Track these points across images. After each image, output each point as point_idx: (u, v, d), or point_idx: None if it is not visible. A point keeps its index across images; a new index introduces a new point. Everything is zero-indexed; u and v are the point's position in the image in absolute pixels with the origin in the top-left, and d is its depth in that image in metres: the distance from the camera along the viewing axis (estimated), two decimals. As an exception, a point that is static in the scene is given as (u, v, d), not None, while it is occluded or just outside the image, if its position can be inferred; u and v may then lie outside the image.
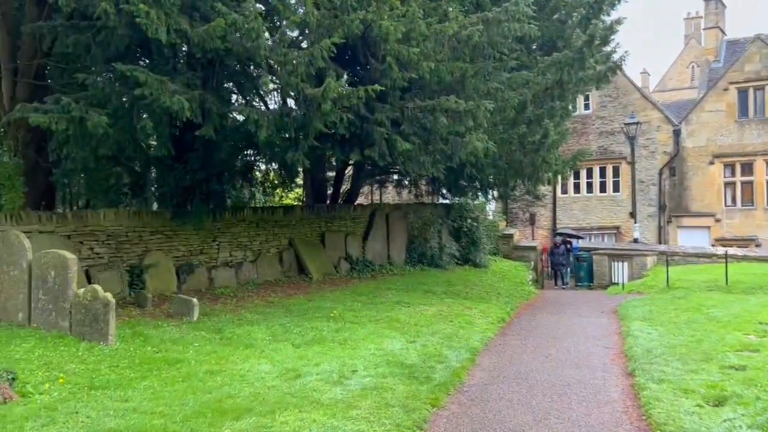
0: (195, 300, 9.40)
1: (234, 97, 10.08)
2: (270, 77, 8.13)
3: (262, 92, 8.40)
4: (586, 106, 26.96)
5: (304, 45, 9.33)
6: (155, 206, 11.84)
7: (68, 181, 12.21)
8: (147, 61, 9.15)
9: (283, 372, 6.55)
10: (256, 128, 8.52)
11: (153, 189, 11.30)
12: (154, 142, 9.56)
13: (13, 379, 5.68)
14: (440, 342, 8.48)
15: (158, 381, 6.10)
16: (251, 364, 6.79)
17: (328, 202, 16.35)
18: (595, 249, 21.88)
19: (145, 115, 8.54)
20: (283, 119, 8.80)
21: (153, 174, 11.60)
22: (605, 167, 26.86)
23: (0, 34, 11.81)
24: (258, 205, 13.67)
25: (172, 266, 11.46)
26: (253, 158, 13.14)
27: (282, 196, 19.80)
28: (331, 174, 18.04)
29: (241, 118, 9.12)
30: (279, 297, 11.39)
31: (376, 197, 25.42)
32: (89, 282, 10.19)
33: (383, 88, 8.85)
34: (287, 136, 9.31)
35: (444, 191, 19.23)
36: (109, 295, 7.35)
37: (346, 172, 17.84)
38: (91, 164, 10.09)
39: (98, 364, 6.49)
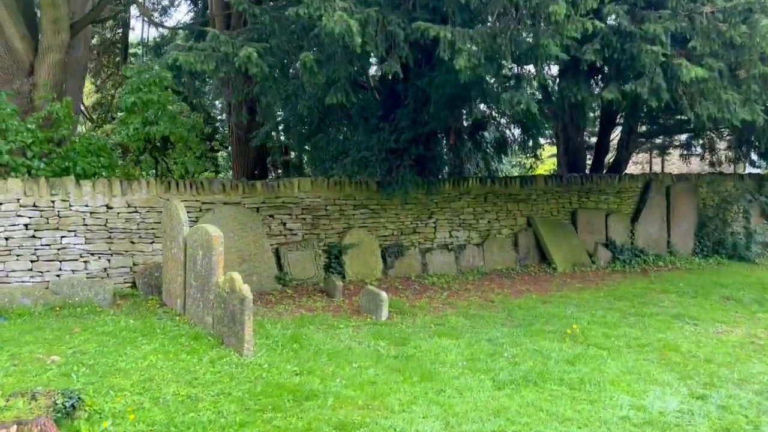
0: (384, 295, 7.21)
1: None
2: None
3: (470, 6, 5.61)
4: None
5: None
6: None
7: (281, 146, 11.03)
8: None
9: (454, 444, 3.87)
10: (451, 55, 5.82)
11: (357, 154, 9.37)
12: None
13: (74, 407, 4.04)
14: (754, 401, 4.86)
15: (259, 433, 3.95)
16: (411, 418, 4.24)
17: (586, 173, 12.85)
18: None
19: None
20: (494, 40, 5.91)
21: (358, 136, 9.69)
22: None
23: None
24: (486, 175, 10.90)
25: (376, 247, 9.52)
26: (482, 115, 10.42)
27: (531, 167, 16.66)
28: (592, 140, 14.39)
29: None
30: (504, 294, 8.62)
31: (655, 168, 20.45)
32: (278, 263, 8.77)
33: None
34: (501, 68, 6.41)
35: (754, 157, 14.06)
36: (246, 288, 5.49)
37: (612, 135, 13.99)
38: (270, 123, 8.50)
39: (206, 389, 4.62)
